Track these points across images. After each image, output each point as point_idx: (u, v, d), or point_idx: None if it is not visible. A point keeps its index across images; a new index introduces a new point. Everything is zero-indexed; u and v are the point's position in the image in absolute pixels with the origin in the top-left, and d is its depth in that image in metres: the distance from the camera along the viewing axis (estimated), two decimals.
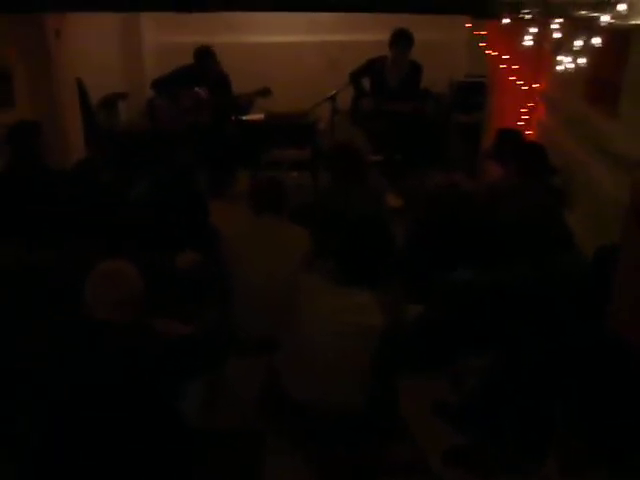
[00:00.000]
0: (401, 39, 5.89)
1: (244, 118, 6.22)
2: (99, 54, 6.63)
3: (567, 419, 2.77)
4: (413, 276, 3.95)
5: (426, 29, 6.20)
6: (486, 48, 4.93)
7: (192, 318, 3.44)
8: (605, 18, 1.67)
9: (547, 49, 2.42)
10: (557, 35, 2.28)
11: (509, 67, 4.77)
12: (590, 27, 1.82)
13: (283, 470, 2.78)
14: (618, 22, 1.66)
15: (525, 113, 5.01)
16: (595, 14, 1.88)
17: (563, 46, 2.17)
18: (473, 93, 6.26)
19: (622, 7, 1.58)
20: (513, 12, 3.09)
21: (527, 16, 2.61)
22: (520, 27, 3.13)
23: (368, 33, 6.96)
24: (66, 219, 3.74)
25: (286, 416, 2.93)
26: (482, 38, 4.94)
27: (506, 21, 3.09)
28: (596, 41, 1.84)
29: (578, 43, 1.93)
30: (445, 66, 6.96)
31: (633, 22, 1.61)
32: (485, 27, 4.93)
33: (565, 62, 2.15)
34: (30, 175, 4.08)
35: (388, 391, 2.94)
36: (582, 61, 2.00)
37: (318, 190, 5.82)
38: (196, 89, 6.14)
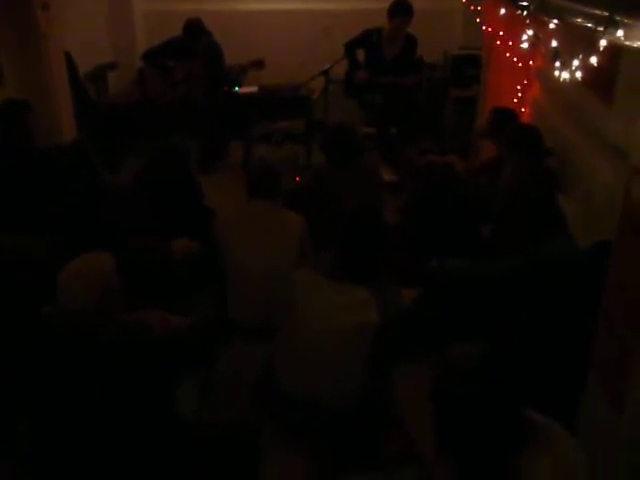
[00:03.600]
0: (402, 10, 5.78)
1: (237, 90, 6.14)
2: (88, 25, 6.51)
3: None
4: (407, 259, 3.97)
5: None
6: (482, 23, 4.84)
7: (190, 307, 3.44)
8: (603, 42, 1.65)
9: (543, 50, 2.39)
10: (554, 43, 2.26)
11: (505, 43, 4.68)
12: (588, 44, 1.80)
13: (278, 462, 2.82)
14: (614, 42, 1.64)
15: (520, 90, 4.95)
16: (591, 25, 1.86)
17: (559, 57, 2.15)
18: (468, 66, 6.18)
19: (620, 33, 1.57)
20: (510, 1, 3.05)
21: (524, 10, 2.57)
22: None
23: (362, 1, 6.85)
24: (58, 205, 3.72)
25: (281, 410, 2.95)
26: (478, 13, 4.86)
27: (502, 11, 3.05)
28: (593, 60, 1.83)
29: (575, 62, 1.92)
30: (440, 36, 6.86)
31: (628, 43, 1.60)
32: (481, 1, 4.85)
33: (562, 73, 2.14)
34: (20, 157, 4.05)
35: (383, 386, 2.98)
36: (578, 75, 1.99)
37: (311, 165, 5.79)
38: (188, 61, 6.06)
